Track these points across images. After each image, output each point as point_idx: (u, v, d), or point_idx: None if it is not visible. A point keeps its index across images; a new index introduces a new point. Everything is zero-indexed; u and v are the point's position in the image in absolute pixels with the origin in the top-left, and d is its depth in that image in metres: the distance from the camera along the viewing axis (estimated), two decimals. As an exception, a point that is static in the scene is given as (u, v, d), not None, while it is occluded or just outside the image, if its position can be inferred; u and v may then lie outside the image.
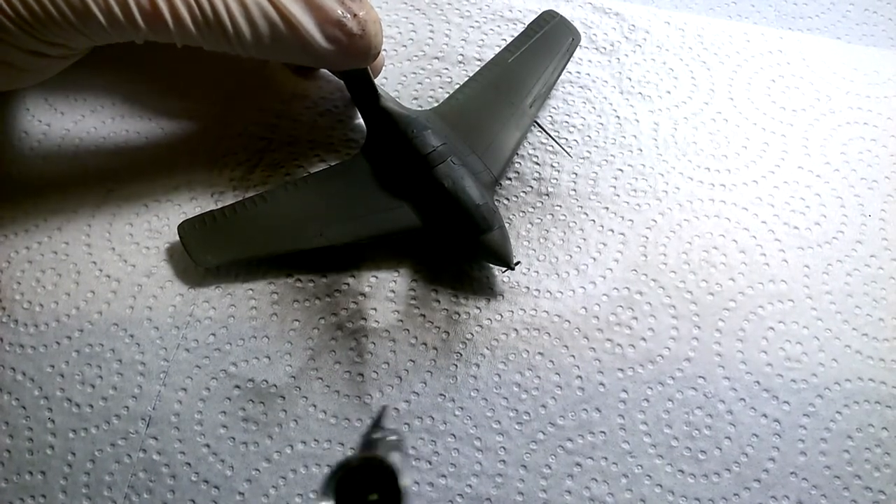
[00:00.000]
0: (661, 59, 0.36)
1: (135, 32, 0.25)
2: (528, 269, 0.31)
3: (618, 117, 0.34)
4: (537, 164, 0.33)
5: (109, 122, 0.33)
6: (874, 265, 0.31)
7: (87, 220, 0.31)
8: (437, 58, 0.36)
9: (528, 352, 0.29)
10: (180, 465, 0.27)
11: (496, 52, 0.34)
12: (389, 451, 0.19)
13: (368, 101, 0.31)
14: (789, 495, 0.27)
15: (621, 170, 0.33)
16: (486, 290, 0.30)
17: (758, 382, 0.29)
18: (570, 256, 0.31)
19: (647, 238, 0.31)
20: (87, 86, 0.34)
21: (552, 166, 0.33)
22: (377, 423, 0.23)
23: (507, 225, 0.31)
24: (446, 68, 0.35)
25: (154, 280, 0.30)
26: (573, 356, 0.29)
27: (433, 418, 0.28)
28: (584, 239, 0.31)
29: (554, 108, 0.35)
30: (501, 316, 0.30)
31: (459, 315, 0.30)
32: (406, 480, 0.18)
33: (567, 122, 0.34)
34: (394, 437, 0.21)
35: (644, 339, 0.29)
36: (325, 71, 0.34)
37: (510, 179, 0.33)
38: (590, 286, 0.30)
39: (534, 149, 0.33)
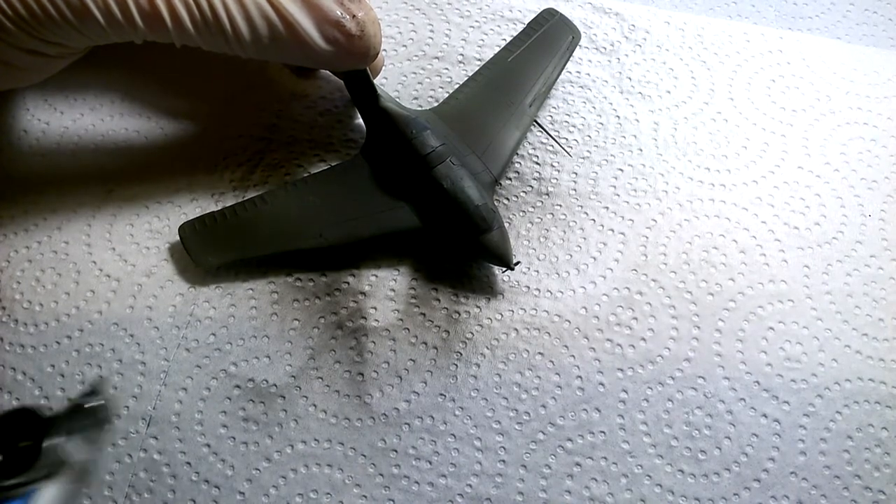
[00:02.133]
0: (661, 58, 0.36)
1: (133, 32, 0.25)
2: (529, 269, 0.31)
3: (618, 117, 0.34)
4: (537, 163, 0.33)
5: (108, 121, 0.33)
6: (874, 265, 0.31)
7: (87, 219, 0.31)
8: (437, 58, 0.36)
9: (528, 351, 0.29)
10: (181, 464, 0.27)
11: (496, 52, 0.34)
12: (89, 417, 0.22)
13: (368, 101, 0.31)
14: (789, 495, 0.27)
15: (621, 169, 0.33)
16: (487, 289, 0.30)
17: (757, 382, 0.29)
18: (570, 256, 0.31)
19: (647, 238, 0.31)
20: (86, 85, 0.34)
21: (552, 166, 0.33)
22: (91, 392, 0.24)
23: (507, 225, 0.31)
24: (446, 68, 0.35)
25: (154, 280, 0.30)
26: (573, 356, 0.29)
27: (433, 418, 0.28)
28: (584, 238, 0.31)
29: (554, 107, 0.35)
30: (501, 315, 0.30)
31: (459, 314, 0.30)
32: (62, 436, 0.20)
33: (567, 121, 0.34)
34: (100, 403, 0.22)
35: (644, 339, 0.29)
36: (325, 71, 0.34)
37: (510, 179, 0.33)
38: (590, 286, 0.30)
39: (534, 148, 0.33)
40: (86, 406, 0.22)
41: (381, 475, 0.27)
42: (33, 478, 0.19)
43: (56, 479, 0.20)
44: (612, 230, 0.32)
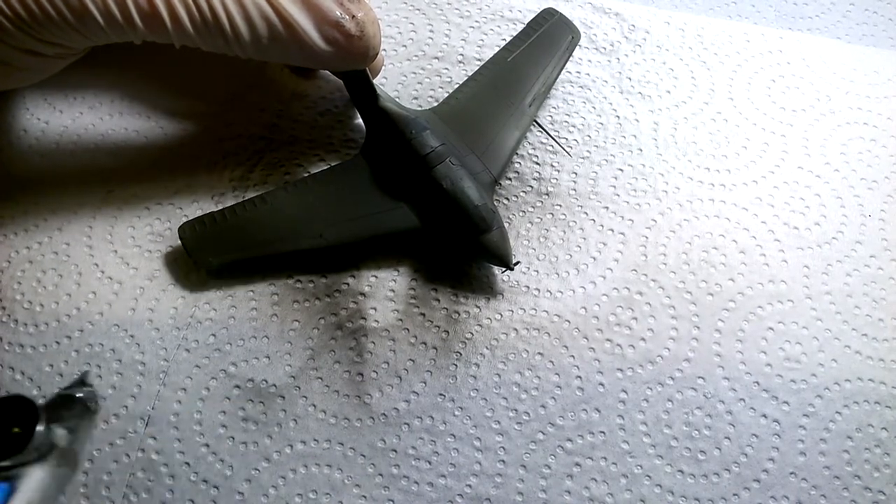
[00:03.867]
0: (661, 59, 0.36)
1: (133, 32, 0.25)
2: (528, 269, 0.31)
3: (618, 117, 0.34)
4: (537, 163, 0.33)
5: (108, 120, 0.33)
6: (874, 265, 0.31)
7: (88, 220, 0.31)
8: (437, 58, 0.36)
9: (527, 352, 0.29)
10: (179, 464, 0.27)
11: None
12: (78, 406, 0.23)
13: (367, 101, 0.31)
14: (789, 495, 0.27)
15: (621, 169, 0.33)
16: (486, 289, 0.30)
17: (757, 383, 0.29)
18: (570, 256, 0.31)
19: (647, 238, 0.31)
20: (85, 84, 0.34)
21: (552, 166, 0.33)
22: (79, 382, 0.25)
23: (506, 225, 0.31)
24: (446, 68, 0.35)
25: (156, 283, 0.30)
26: (573, 356, 0.29)
27: (433, 418, 0.28)
28: (584, 238, 0.31)
29: (554, 107, 0.35)
30: (501, 315, 0.30)
31: (459, 314, 0.30)
32: (45, 425, 0.21)
33: (567, 121, 0.34)
34: (85, 394, 0.24)
35: (644, 339, 0.29)
36: (326, 71, 0.34)
37: (510, 179, 0.33)
38: (590, 286, 0.30)
39: (534, 148, 0.33)
40: (76, 395, 0.23)
41: (381, 475, 0.27)
42: (23, 461, 0.20)
43: (44, 463, 0.21)
44: (612, 230, 0.32)
